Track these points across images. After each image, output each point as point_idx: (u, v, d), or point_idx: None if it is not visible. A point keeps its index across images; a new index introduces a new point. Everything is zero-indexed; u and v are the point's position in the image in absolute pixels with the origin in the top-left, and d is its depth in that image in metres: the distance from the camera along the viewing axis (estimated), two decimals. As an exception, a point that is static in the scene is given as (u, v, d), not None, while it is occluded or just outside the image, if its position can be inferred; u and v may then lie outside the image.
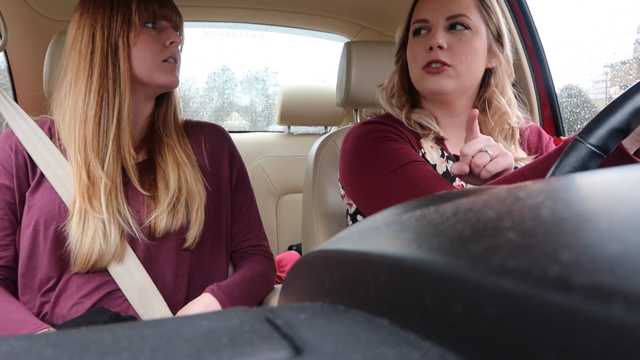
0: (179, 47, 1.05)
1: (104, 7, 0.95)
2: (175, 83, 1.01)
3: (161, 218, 0.94)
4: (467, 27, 0.93)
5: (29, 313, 0.89)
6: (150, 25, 0.97)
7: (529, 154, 1.04)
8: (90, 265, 0.89)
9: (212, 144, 1.08)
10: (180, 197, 0.96)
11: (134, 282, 0.92)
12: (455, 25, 0.92)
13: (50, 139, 0.98)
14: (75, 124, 0.93)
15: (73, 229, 0.88)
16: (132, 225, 0.92)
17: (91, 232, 0.88)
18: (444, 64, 0.91)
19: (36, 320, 0.87)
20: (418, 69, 0.94)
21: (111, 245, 0.89)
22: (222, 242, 1.06)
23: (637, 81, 0.48)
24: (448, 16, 0.92)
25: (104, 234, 0.88)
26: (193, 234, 0.97)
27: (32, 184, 0.94)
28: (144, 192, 0.95)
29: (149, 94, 1.01)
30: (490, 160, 0.78)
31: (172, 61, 0.98)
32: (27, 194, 0.94)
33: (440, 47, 0.90)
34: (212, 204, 1.02)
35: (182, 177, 0.98)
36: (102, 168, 0.91)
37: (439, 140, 0.98)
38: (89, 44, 0.94)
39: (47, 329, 0.86)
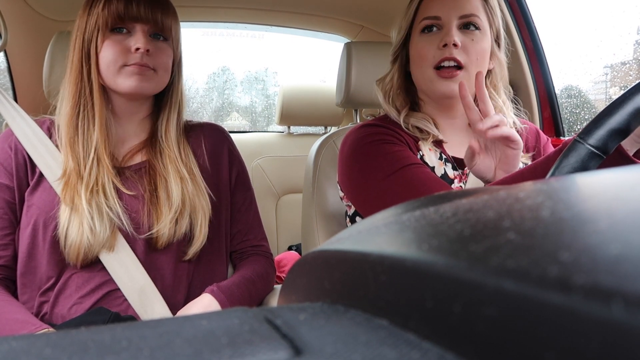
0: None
1: (83, 12, 0.95)
2: (139, 89, 0.93)
3: (163, 233, 0.93)
4: (477, 28, 0.92)
5: (28, 313, 0.89)
6: (119, 29, 0.93)
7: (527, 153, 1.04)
8: (82, 257, 0.89)
9: (211, 143, 1.08)
10: (184, 211, 0.95)
11: (134, 282, 0.92)
12: (468, 24, 0.92)
13: (49, 138, 0.98)
14: (62, 125, 0.96)
15: (61, 221, 0.89)
16: (122, 219, 0.91)
17: (76, 225, 0.88)
18: (457, 63, 0.90)
19: (36, 320, 0.87)
20: (428, 68, 0.92)
21: (100, 238, 0.89)
22: (222, 242, 1.06)
23: (637, 82, 0.48)
24: (461, 15, 0.91)
25: (91, 228, 0.88)
26: (195, 249, 0.97)
27: (32, 183, 0.94)
28: (129, 193, 0.95)
29: (129, 98, 0.98)
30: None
31: (134, 66, 0.92)
32: (26, 194, 0.94)
33: (455, 45, 0.89)
34: (213, 206, 1.02)
35: (185, 192, 0.96)
36: (85, 168, 0.92)
37: (438, 143, 0.98)
38: (72, 49, 0.96)
39: (46, 330, 0.86)
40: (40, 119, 1.02)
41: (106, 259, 0.91)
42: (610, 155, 0.49)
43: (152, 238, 0.94)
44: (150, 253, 0.95)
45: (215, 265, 1.04)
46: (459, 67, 0.90)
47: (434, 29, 0.93)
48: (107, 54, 0.92)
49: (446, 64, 0.90)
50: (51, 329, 0.87)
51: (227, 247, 1.08)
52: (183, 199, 0.95)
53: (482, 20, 0.93)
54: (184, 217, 0.95)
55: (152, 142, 1.01)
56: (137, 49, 0.91)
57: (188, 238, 0.97)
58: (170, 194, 0.95)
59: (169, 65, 0.98)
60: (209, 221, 0.99)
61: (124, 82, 0.92)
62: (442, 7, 0.92)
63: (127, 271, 0.92)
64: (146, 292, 0.92)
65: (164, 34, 0.96)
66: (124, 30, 0.93)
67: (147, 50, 0.92)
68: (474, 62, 0.91)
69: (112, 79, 0.93)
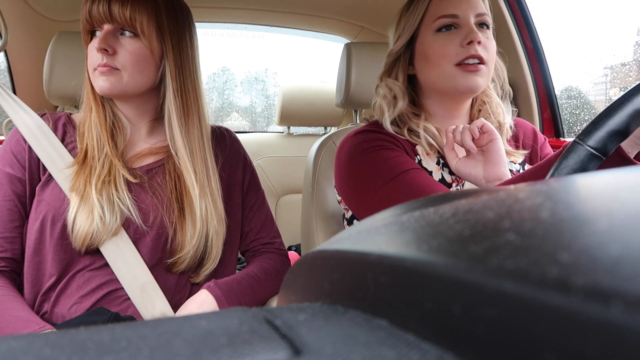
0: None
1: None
2: (106, 90, 0.91)
3: (184, 259, 0.94)
4: (487, 26, 0.94)
5: (32, 312, 0.89)
6: (97, 32, 0.93)
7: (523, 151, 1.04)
8: (87, 243, 0.89)
9: (225, 148, 1.08)
10: (203, 234, 0.96)
11: (136, 279, 0.92)
12: (482, 23, 0.93)
13: (64, 134, 0.98)
14: (81, 120, 1.00)
15: (70, 207, 0.89)
16: (132, 211, 0.92)
17: (86, 213, 0.88)
18: (480, 60, 0.90)
19: (39, 320, 0.87)
20: (449, 65, 0.91)
21: (109, 228, 0.89)
22: (233, 245, 1.06)
23: (637, 83, 0.48)
24: (477, 13, 0.92)
25: (100, 217, 0.88)
26: (205, 272, 0.98)
27: (43, 178, 0.94)
28: (137, 188, 0.95)
29: (118, 100, 0.98)
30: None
31: (98, 67, 0.90)
32: (37, 188, 0.94)
33: (479, 43, 0.90)
34: (225, 212, 1.02)
35: (206, 214, 0.96)
36: (98, 160, 0.93)
37: (435, 148, 0.97)
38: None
39: (50, 330, 0.86)
40: (55, 114, 1.02)
41: (109, 254, 0.91)
42: (609, 157, 0.49)
43: (171, 263, 0.94)
44: (154, 254, 0.95)
45: (223, 264, 1.03)
46: (481, 62, 0.91)
47: (452, 27, 0.93)
48: (88, 58, 0.94)
49: (470, 61, 0.91)
50: (54, 329, 0.86)
51: (236, 245, 1.08)
52: (202, 221, 0.95)
53: (489, 18, 0.94)
54: (202, 241, 0.96)
55: (167, 149, 1.00)
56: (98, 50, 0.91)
57: (199, 262, 0.98)
58: (195, 219, 0.95)
59: (139, 63, 0.92)
60: (222, 243, 0.99)
61: (96, 85, 0.93)
62: (458, 5, 0.92)
63: (129, 268, 0.92)
64: (148, 289, 0.92)
65: (131, 30, 0.91)
66: (98, 32, 0.93)
67: (105, 50, 0.89)
68: (491, 59, 0.93)
69: (92, 82, 0.94)
